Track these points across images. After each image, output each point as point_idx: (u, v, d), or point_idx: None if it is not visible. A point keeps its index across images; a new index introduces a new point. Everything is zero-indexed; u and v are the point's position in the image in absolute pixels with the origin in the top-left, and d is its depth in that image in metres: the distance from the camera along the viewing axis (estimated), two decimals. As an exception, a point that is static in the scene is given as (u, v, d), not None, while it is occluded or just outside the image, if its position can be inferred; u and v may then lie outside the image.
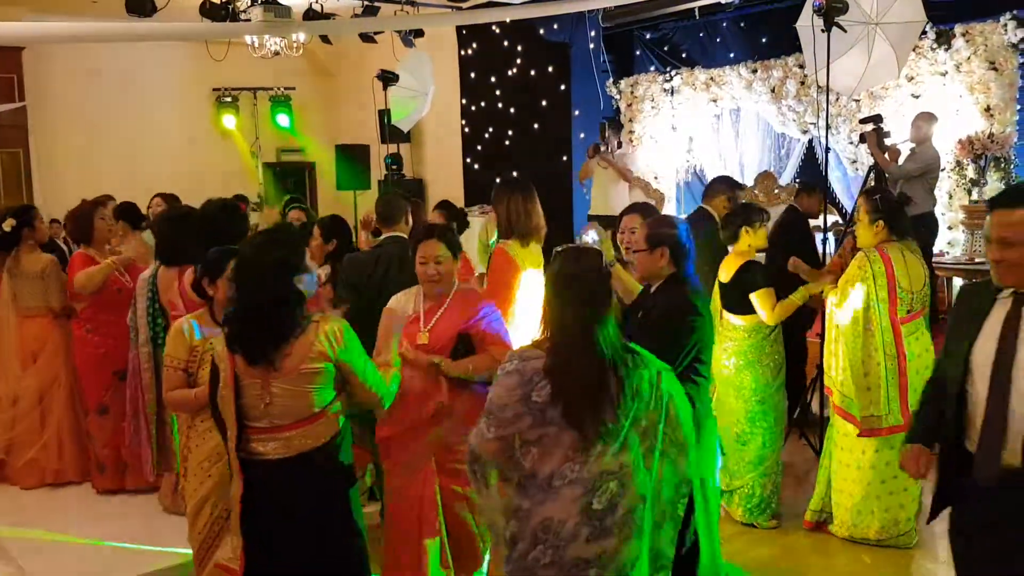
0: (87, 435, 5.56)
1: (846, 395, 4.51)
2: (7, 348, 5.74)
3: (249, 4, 9.41)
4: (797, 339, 5.85)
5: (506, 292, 4.61)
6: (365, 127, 12.41)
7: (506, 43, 11.64)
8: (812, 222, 6.70)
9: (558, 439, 2.54)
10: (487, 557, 3.79)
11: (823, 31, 6.16)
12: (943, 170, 7.42)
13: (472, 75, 12.22)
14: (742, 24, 10.19)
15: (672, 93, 10.78)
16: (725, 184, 6.31)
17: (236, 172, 13.77)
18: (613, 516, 2.53)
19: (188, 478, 3.62)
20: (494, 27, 11.58)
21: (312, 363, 2.92)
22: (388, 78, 10.21)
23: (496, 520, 2.67)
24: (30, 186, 11.64)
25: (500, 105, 11.86)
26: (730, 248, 4.89)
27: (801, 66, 9.12)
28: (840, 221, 8.47)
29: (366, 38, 11.24)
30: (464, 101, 12.37)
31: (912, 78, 8.22)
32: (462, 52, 12.29)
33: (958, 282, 7.81)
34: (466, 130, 12.43)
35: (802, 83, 9.35)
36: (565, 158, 10.95)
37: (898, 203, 4.60)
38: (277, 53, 10.52)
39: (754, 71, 9.86)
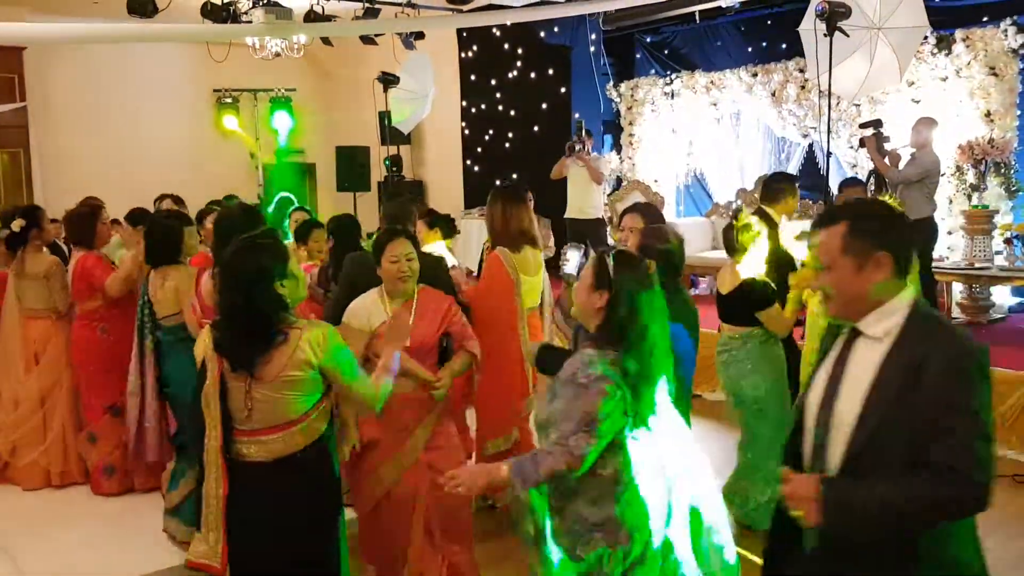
0: (90, 438, 5.52)
1: None
2: (11, 349, 5.72)
3: (250, 6, 9.42)
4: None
5: (500, 298, 4.64)
6: (365, 129, 12.43)
7: (506, 46, 11.66)
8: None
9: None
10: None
11: (825, 35, 6.17)
12: (943, 175, 7.43)
13: (472, 77, 12.23)
14: (742, 28, 10.22)
15: (672, 96, 10.79)
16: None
17: (236, 173, 13.77)
18: (645, 507, 2.67)
19: None
20: (495, 30, 11.59)
21: (294, 370, 2.89)
22: (389, 80, 10.21)
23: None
24: (31, 186, 11.64)
25: (500, 107, 11.87)
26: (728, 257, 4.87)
27: (801, 70, 9.14)
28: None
29: (367, 40, 11.25)
30: (464, 103, 12.38)
31: (913, 83, 8.24)
32: (463, 54, 12.31)
33: (958, 287, 7.83)
34: (466, 132, 12.44)
35: (802, 87, 9.36)
36: (565, 161, 10.96)
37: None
38: (278, 54, 10.53)
39: (754, 75, 9.87)
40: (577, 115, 9.69)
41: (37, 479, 5.65)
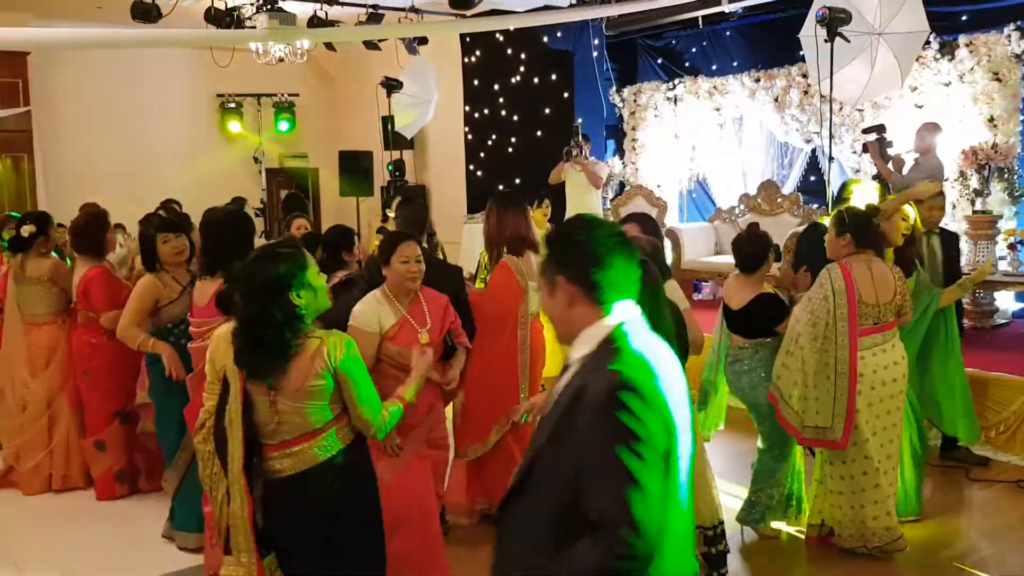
0: (99, 446, 5.49)
1: (791, 405, 4.50)
2: (15, 354, 5.72)
3: (254, 11, 9.44)
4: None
5: (507, 305, 4.67)
6: (368, 134, 12.45)
7: (510, 51, 11.66)
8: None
9: None
10: None
11: (826, 41, 6.17)
12: (946, 180, 7.42)
13: (476, 82, 12.24)
14: (745, 33, 10.22)
15: (675, 102, 10.80)
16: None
17: (239, 177, 13.79)
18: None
19: None
20: (498, 35, 11.60)
21: (315, 380, 2.89)
22: (392, 85, 10.24)
23: None
24: (35, 191, 11.66)
25: (503, 112, 11.87)
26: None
27: (804, 75, 9.14)
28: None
29: (370, 45, 11.27)
30: (467, 108, 12.39)
31: (916, 88, 8.24)
32: (466, 59, 12.32)
33: (961, 292, 7.81)
34: (469, 137, 12.45)
35: (805, 92, 9.36)
36: (568, 166, 10.97)
37: (865, 216, 4.59)
38: (281, 60, 10.55)
39: (757, 80, 9.88)
40: (580, 120, 9.68)
41: (38, 484, 5.65)
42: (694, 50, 10.84)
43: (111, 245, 5.79)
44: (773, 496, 4.79)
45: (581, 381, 1.92)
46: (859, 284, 4.38)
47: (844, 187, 5.83)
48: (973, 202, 7.79)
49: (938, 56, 8.11)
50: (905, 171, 7.06)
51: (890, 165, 7.05)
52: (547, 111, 11.30)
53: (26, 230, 5.61)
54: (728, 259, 5.41)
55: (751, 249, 4.67)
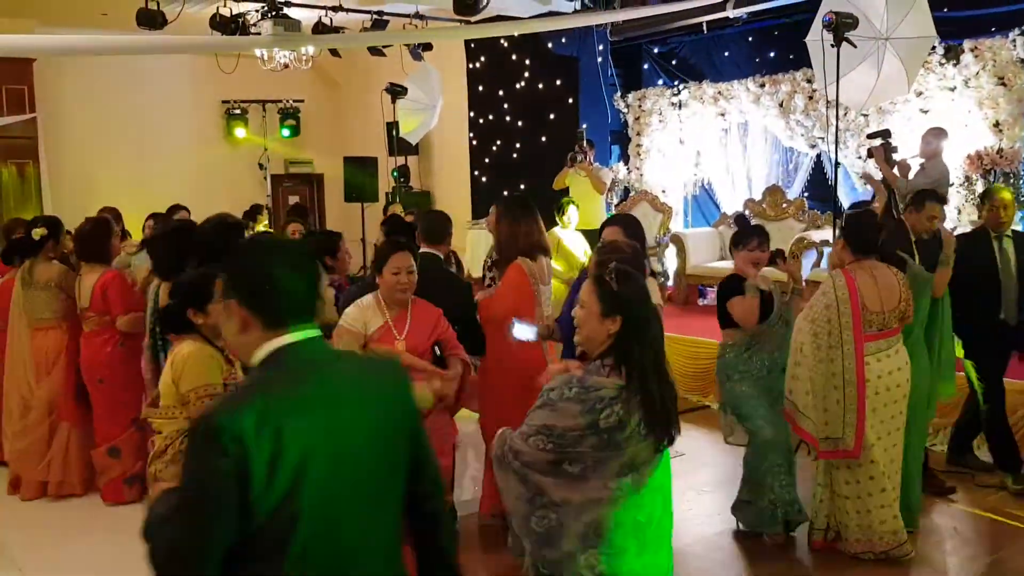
0: (113, 453, 5.48)
1: (805, 415, 4.50)
2: (19, 358, 5.72)
3: (259, 18, 9.47)
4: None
5: (522, 309, 4.63)
6: (373, 139, 12.47)
7: (514, 56, 11.68)
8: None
9: (618, 457, 2.60)
10: None
11: (833, 46, 6.16)
12: (951, 185, 7.40)
13: (480, 88, 12.25)
14: (750, 38, 10.21)
15: (680, 107, 10.79)
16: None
17: (245, 183, 13.82)
18: (652, 528, 2.68)
19: None
20: (502, 41, 11.62)
21: None
22: (396, 91, 10.27)
23: (518, 508, 2.68)
24: (40, 197, 11.68)
25: (508, 118, 11.88)
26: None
27: (809, 80, 9.13)
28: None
29: (375, 51, 11.29)
30: (472, 114, 12.40)
31: (921, 93, 8.22)
32: (470, 65, 12.33)
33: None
34: (474, 143, 12.46)
35: (810, 97, 9.35)
36: (572, 171, 10.97)
37: (865, 221, 4.57)
38: (286, 66, 10.57)
39: (762, 85, 9.87)
40: (585, 126, 9.68)
41: (35, 490, 5.64)
42: (699, 55, 10.83)
43: (115, 251, 5.79)
44: (766, 499, 4.77)
45: None
46: (863, 291, 4.37)
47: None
48: (978, 207, 7.76)
49: (943, 61, 8.10)
50: (911, 176, 7.05)
51: (896, 170, 7.04)
52: (551, 117, 11.31)
53: (37, 233, 5.61)
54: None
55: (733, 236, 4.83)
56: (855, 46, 6.24)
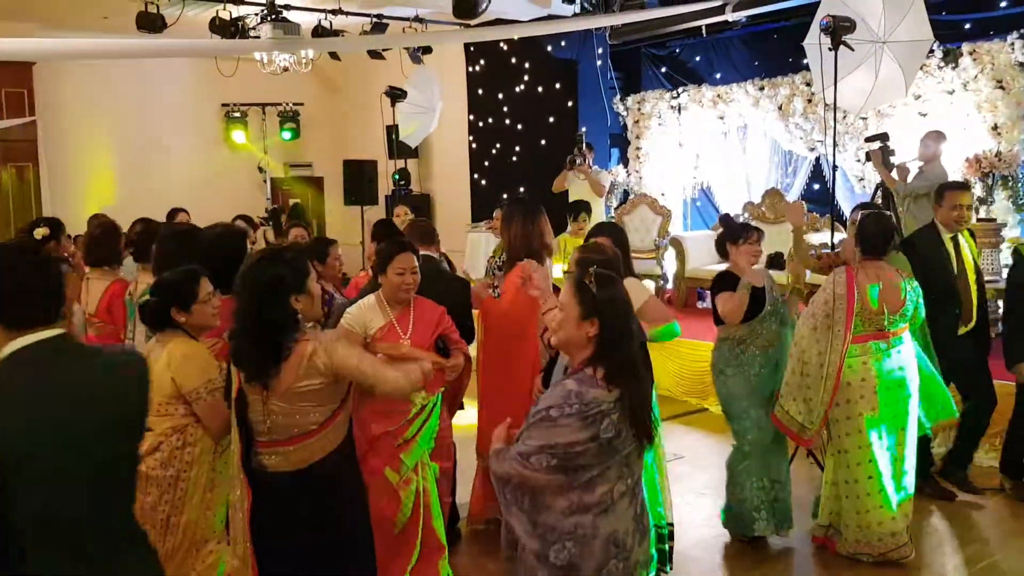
0: None
1: (782, 405, 4.57)
2: None
3: (259, 21, 9.49)
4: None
5: (525, 310, 4.67)
6: (373, 142, 12.49)
7: (514, 60, 11.70)
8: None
9: (616, 462, 2.60)
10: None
11: (830, 49, 6.17)
12: (950, 188, 7.41)
13: (480, 91, 12.27)
14: (749, 42, 10.23)
15: (679, 110, 10.80)
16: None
17: (245, 187, 13.83)
18: (645, 516, 2.72)
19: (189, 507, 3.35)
20: (502, 44, 11.64)
21: (306, 380, 2.91)
22: (396, 94, 10.26)
23: (531, 543, 2.63)
24: (39, 200, 11.69)
25: (507, 121, 11.90)
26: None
27: (808, 84, 9.14)
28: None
29: (374, 55, 11.31)
30: (472, 117, 12.42)
31: (919, 96, 8.23)
32: (470, 69, 12.35)
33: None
34: (473, 146, 12.47)
35: (809, 100, 9.36)
36: (572, 174, 10.98)
37: (880, 224, 4.59)
38: (286, 69, 10.60)
39: (761, 88, 9.88)
40: (584, 129, 9.68)
41: None
42: (698, 59, 10.85)
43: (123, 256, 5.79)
44: (750, 500, 4.78)
45: None
46: (864, 290, 4.39)
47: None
48: (977, 210, 7.77)
49: (942, 64, 8.11)
50: (909, 179, 7.06)
51: (894, 174, 7.05)
52: (551, 120, 11.32)
53: (39, 233, 5.61)
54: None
55: (720, 236, 4.89)
56: (852, 49, 6.25)
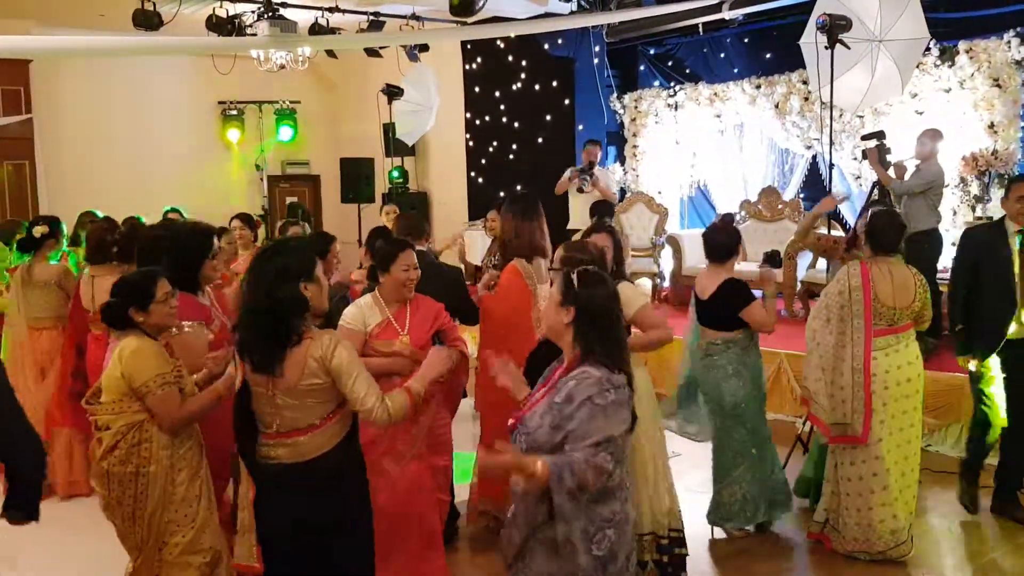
0: None
1: (819, 402, 4.59)
2: (18, 359, 5.72)
3: (255, 18, 9.47)
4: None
5: (517, 308, 4.71)
6: (370, 140, 12.46)
7: (511, 58, 11.69)
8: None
9: (627, 440, 2.71)
10: None
11: (827, 48, 6.19)
12: (947, 187, 7.42)
13: (477, 89, 12.26)
14: (746, 40, 10.23)
15: (676, 108, 10.81)
16: None
17: (241, 184, 13.82)
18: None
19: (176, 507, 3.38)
20: (499, 42, 11.63)
21: (312, 378, 2.94)
22: (393, 92, 10.27)
23: (579, 544, 2.64)
24: (36, 198, 11.66)
25: (504, 119, 11.90)
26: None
27: (805, 82, 9.15)
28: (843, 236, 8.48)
29: (371, 52, 11.29)
30: (469, 115, 12.41)
31: (916, 95, 8.24)
32: (467, 66, 12.34)
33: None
34: (470, 144, 12.47)
35: (806, 99, 9.37)
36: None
37: (890, 221, 4.60)
38: (283, 67, 10.57)
39: (758, 87, 9.89)
40: (593, 149, 9.48)
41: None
42: (695, 57, 10.85)
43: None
44: (735, 495, 4.83)
45: None
46: (877, 284, 4.42)
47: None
48: (973, 208, 7.79)
49: (938, 62, 8.12)
50: (907, 177, 7.07)
51: (891, 171, 7.06)
52: (548, 118, 11.32)
53: (38, 231, 5.65)
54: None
55: (723, 238, 4.84)
56: (849, 48, 6.26)
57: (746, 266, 6.19)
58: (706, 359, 4.81)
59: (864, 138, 7.43)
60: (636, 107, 11.25)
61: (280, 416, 2.97)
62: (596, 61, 10.93)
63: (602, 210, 7.60)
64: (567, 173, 9.28)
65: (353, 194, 12.60)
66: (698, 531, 4.97)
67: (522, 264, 4.79)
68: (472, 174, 12.49)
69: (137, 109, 13.09)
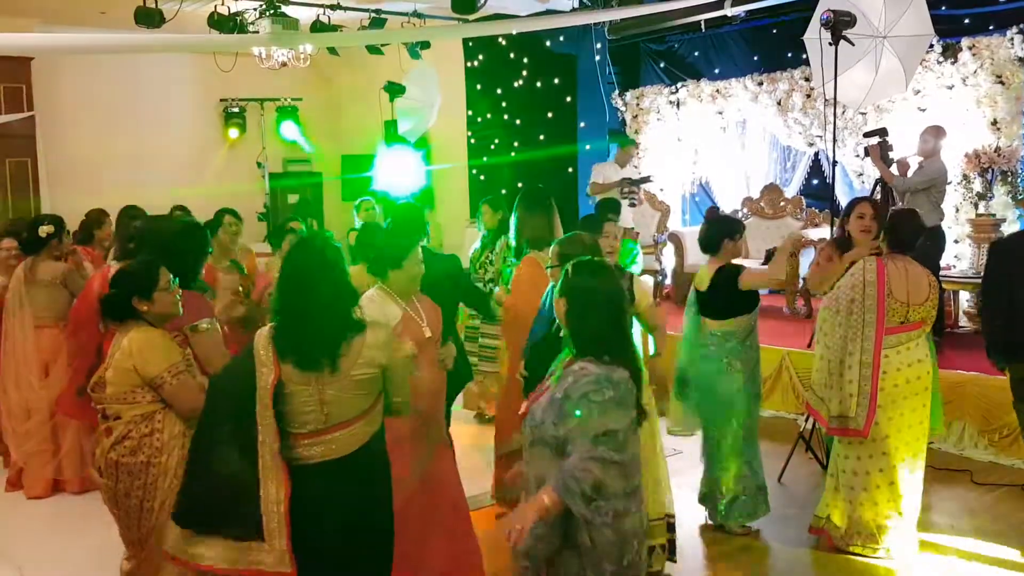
0: None
1: (817, 393, 4.62)
2: (22, 358, 5.72)
3: (257, 16, 9.46)
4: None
5: (534, 299, 4.69)
6: (371, 138, 12.45)
7: (512, 55, 11.67)
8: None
9: (636, 439, 2.77)
10: None
11: (831, 44, 6.17)
12: (949, 184, 7.41)
13: (478, 86, 12.25)
14: (748, 37, 10.22)
15: (678, 105, 10.80)
16: None
17: (243, 182, 13.79)
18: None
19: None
20: (500, 39, 11.61)
21: (365, 369, 2.92)
22: (395, 89, 10.26)
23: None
24: (38, 195, 11.66)
25: (506, 116, 11.87)
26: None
27: (807, 79, 9.13)
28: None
29: (373, 50, 11.28)
30: (470, 112, 12.39)
31: (919, 91, 8.23)
32: (468, 63, 12.32)
33: (965, 296, 7.81)
34: (472, 141, 12.45)
35: (808, 96, 9.36)
36: (571, 169, 10.96)
37: (909, 220, 4.61)
38: (284, 64, 10.56)
39: (760, 83, 9.87)
40: (633, 149, 9.35)
41: (41, 488, 5.65)
42: (697, 54, 10.84)
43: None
44: (718, 484, 4.89)
45: None
46: (892, 280, 4.42)
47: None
48: (976, 205, 7.78)
49: (941, 59, 8.10)
50: (909, 174, 7.06)
51: (894, 168, 7.05)
52: (550, 115, 11.30)
53: (44, 230, 5.66)
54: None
55: (709, 230, 4.96)
56: (853, 44, 6.25)
57: (747, 263, 6.17)
58: (702, 350, 4.85)
59: (866, 135, 7.42)
60: (638, 104, 11.24)
61: (326, 412, 2.91)
62: (598, 58, 10.91)
63: (609, 207, 7.59)
64: (613, 177, 9.05)
65: (355, 191, 12.59)
66: (699, 528, 4.98)
67: (539, 255, 4.86)
68: (474, 171, 12.48)
69: (139, 106, 13.09)
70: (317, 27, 9.97)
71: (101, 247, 6.51)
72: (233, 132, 14.06)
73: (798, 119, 9.56)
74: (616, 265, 4.59)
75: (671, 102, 10.85)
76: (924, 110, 8.22)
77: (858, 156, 8.72)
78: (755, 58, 10.10)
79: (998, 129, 7.78)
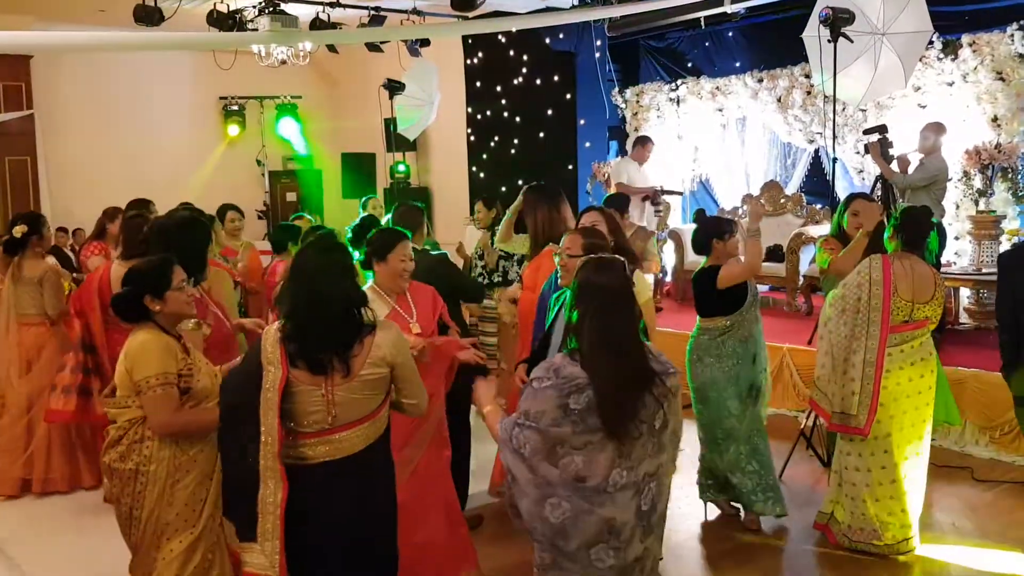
0: None
1: (821, 389, 4.62)
2: (4, 354, 5.73)
3: (256, 13, 9.45)
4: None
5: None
6: (371, 135, 12.46)
7: (512, 52, 11.66)
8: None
9: (603, 445, 2.63)
10: None
11: (830, 41, 6.16)
12: (950, 180, 7.40)
13: (478, 84, 12.24)
14: (748, 34, 10.21)
15: (678, 102, 10.78)
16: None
17: (242, 180, 13.80)
18: (655, 515, 2.74)
19: (170, 504, 3.31)
20: (500, 36, 11.60)
21: (374, 368, 2.90)
22: (394, 87, 10.24)
23: (529, 490, 2.70)
24: (37, 193, 11.67)
25: (506, 114, 11.87)
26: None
27: (807, 75, 9.12)
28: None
29: (372, 47, 11.27)
30: (470, 110, 12.39)
31: (919, 88, 8.21)
32: (468, 61, 12.32)
33: (965, 292, 7.80)
34: (472, 139, 12.45)
35: (808, 92, 9.35)
36: (570, 167, 10.96)
37: (922, 219, 4.60)
38: (284, 62, 10.56)
39: (760, 80, 9.86)
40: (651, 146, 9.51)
41: (10, 487, 5.63)
42: (696, 51, 10.82)
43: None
44: (709, 477, 4.96)
45: None
46: (897, 278, 4.42)
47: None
48: (976, 202, 7.77)
49: (941, 56, 8.09)
50: (910, 171, 7.05)
51: (894, 165, 7.04)
52: (549, 112, 11.30)
53: (18, 230, 5.66)
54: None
55: (697, 235, 4.97)
56: (852, 41, 6.24)
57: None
58: (692, 342, 4.93)
59: (866, 132, 7.41)
60: (638, 101, 11.23)
61: (334, 412, 2.89)
62: (598, 55, 10.90)
63: (617, 203, 7.59)
64: (635, 175, 9.11)
65: (354, 189, 12.59)
66: (700, 527, 4.98)
67: (555, 248, 4.87)
68: (473, 169, 12.47)
69: (138, 105, 13.09)
70: (316, 25, 9.96)
71: (113, 242, 6.51)
72: (233, 130, 14.07)
73: (798, 116, 9.55)
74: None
75: (671, 99, 10.84)
76: (924, 107, 8.21)
77: (858, 153, 8.71)
78: (755, 55, 10.10)
79: (998, 126, 7.77)
